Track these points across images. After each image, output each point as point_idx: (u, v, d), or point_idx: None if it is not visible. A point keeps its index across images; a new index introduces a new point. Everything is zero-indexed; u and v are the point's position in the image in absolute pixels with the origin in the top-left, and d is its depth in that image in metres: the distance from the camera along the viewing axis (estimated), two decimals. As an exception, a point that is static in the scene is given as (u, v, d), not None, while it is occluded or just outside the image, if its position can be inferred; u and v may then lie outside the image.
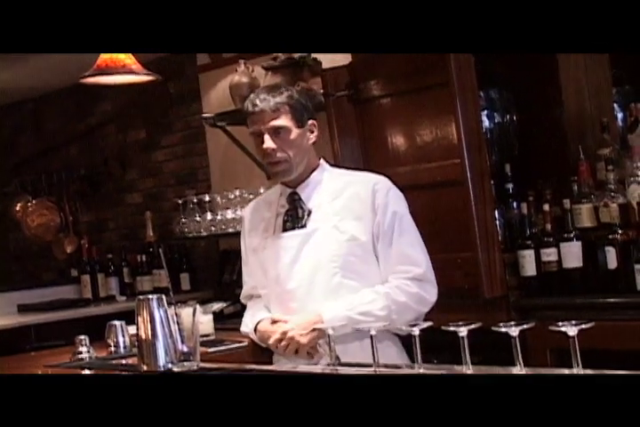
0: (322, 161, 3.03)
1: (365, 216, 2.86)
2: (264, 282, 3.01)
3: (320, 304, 2.86)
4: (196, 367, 2.56)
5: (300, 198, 2.95)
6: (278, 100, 2.86)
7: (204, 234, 5.25)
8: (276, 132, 2.86)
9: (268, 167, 2.94)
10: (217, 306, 4.93)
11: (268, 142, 2.85)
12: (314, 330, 2.75)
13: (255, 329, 3.01)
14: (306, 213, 2.93)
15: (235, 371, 2.53)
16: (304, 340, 2.77)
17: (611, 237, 3.64)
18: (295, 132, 2.88)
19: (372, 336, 2.23)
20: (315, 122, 2.96)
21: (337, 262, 2.83)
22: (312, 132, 2.95)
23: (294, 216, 2.94)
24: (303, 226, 2.91)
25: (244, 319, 3.13)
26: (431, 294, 2.88)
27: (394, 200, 2.89)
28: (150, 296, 2.61)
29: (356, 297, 2.81)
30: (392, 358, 2.78)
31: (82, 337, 3.29)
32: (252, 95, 2.93)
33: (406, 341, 2.75)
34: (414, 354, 2.18)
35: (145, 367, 2.61)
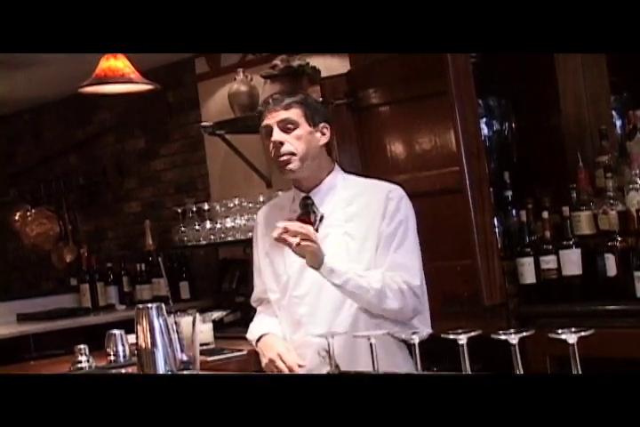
0: (336, 166, 3.03)
1: (375, 224, 2.85)
2: (274, 287, 3.01)
3: (328, 312, 2.86)
4: (195, 376, 2.56)
5: (313, 203, 2.94)
6: (291, 99, 2.90)
7: (204, 243, 5.25)
8: (286, 127, 2.87)
9: (277, 164, 2.92)
10: (216, 315, 4.93)
11: (277, 135, 2.86)
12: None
13: (258, 340, 3.01)
14: (318, 219, 2.92)
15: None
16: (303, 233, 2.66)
17: (610, 244, 3.64)
18: (305, 128, 2.88)
19: (371, 344, 2.22)
20: (327, 125, 2.96)
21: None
22: (323, 134, 2.94)
23: (308, 220, 2.91)
24: (315, 231, 2.88)
25: (250, 326, 3.12)
26: (415, 307, 2.83)
27: (404, 210, 2.88)
28: (150, 305, 2.60)
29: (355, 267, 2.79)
30: (399, 366, 2.76)
31: (81, 346, 3.29)
32: (267, 96, 2.98)
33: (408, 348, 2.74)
34: (414, 362, 2.17)
35: (144, 376, 2.60)
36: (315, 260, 2.71)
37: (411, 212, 2.92)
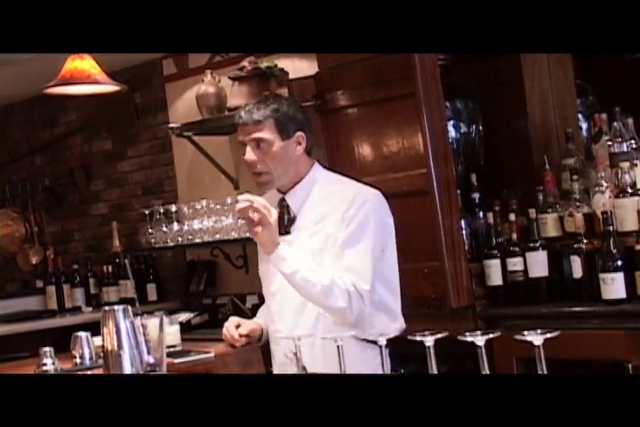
0: (314, 168, 3.01)
1: (336, 226, 2.86)
2: (261, 279, 3.11)
3: (293, 311, 2.89)
4: (162, 379, 2.54)
5: (288, 205, 2.96)
6: (262, 113, 2.87)
7: (171, 244, 5.24)
8: (258, 145, 2.88)
9: (253, 178, 2.96)
10: (184, 317, 4.92)
11: (249, 154, 2.89)
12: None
13: None
14: (290, 220, 2.94)
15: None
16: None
17: (576, 246, 3.66)
18: (278, 144, 2.88)
19: (338, 347, 2.21)
20: (303, 134, 2.94)
21: None
22: (299, 144, 2.93)
23: (281, 222, 2.94)
24: (287, 232, 2.93)
25: None
26: (360, 311, 2.79)
27: (364, 214, 2.85)
28: (116, 307, 2.59)
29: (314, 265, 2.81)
30: (366, 366, 2.73)
31: (46, 349, 3.26)
32: (243, 106, 2.98)
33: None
34: (382, 364, 2.17)
35: (111, 379, 2.58)
36: (267, 245, 2.78)
37: (374, 216, 2.89)
